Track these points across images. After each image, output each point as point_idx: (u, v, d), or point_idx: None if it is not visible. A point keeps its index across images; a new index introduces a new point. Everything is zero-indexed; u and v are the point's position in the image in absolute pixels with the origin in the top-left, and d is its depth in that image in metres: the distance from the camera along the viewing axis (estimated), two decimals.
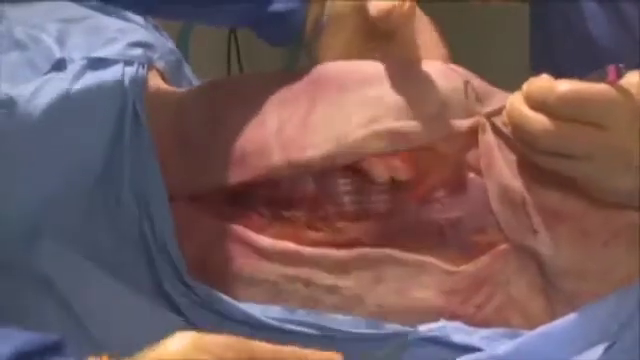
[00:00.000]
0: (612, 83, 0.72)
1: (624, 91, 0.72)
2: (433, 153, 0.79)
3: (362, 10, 0.80)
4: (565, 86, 0.72)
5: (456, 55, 0.85)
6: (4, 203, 0.78)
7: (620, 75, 0.72)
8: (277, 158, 0.79)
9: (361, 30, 0.83)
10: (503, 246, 0.78)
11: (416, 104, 0.78)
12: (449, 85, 0.80)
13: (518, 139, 0.76)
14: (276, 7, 0.84)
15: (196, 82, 0.99)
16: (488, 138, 0.79)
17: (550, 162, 0.75)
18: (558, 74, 0.74)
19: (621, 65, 0.72)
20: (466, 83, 0.80)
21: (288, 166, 0.79)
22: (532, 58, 1.23)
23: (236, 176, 0.81)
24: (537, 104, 0.73)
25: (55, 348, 0.65)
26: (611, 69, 0.72)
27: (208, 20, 0.92)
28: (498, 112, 0.79)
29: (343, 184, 0.79)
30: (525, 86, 0.75)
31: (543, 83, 0.73)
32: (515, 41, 1.40)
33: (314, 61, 0.85)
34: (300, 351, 0.66)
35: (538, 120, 0.72)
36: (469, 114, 0.79)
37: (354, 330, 0.76)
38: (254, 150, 0.80)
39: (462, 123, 0.79)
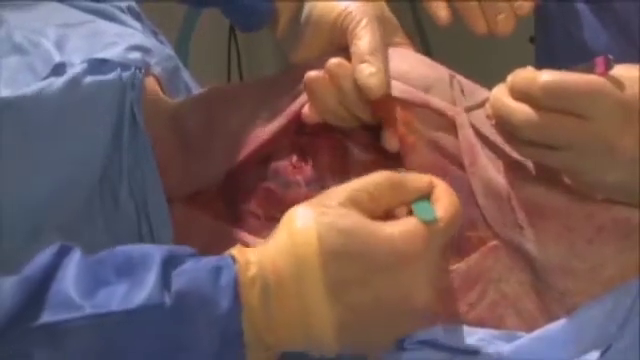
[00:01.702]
0: (600, 74, 0.71)
1: (613, 82, 0.71)
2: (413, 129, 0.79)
3: (337, 33, 0.81)
4: (548, 76, 0.71)
5: (459, 62, 0.85)
6: (4, 203, 0.78)
7: (609, 67, 0.71)
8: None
9: (336, 44, 0.83)
10: (493, 242, 0.78)
11: (402, 76, 0.80)
12: (434, 74, 0.81)
13: (501, 130, 0.76)
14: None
15: (194, 88, 0.99)
16: (468, 133, 0.79)
17: (532, 153, 0.74)
18: None
19: (610, 57, 0.71)
20: (452, 76, 0.81)
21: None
22: (536, 57, 1.24)
23: (231, 164, 0.82)
24: (520, 94, 0.72)
25: (194, 254, 0.67)
26: (600, 61, 0.71)
27: None
28: (480, 105, 0.79)
29: (332, 186, 0.79)
30: (509, 77, 0.74)
31: (527, 74, 0.72)
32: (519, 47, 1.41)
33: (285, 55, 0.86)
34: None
35: (521, 110, 0.72)
36: (452, 102, 0.80)
37: None
38: (250, 144, 0.82)
39: (440, 102, 0.79)
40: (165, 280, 0.64)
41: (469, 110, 0.79)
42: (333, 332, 0.66)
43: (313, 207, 0.68)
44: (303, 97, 0.82)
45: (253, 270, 0.66)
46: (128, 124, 0.83)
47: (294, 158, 0.83)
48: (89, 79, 0.84)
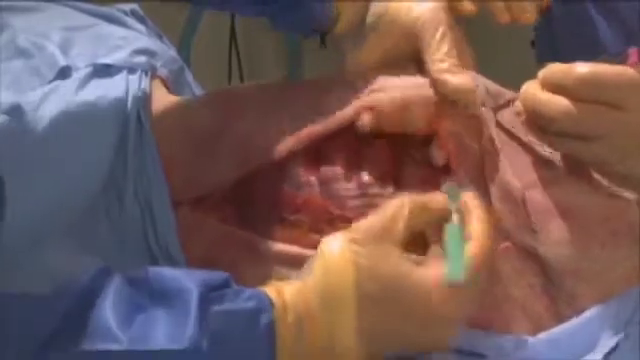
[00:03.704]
0: (633, 65, 0.72)
1: None
2: None
3: (410, 39, 0.81)
4: (584, 67, 0.72)
5: None
6: (10, 207, 0.78)
7: None
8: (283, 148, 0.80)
9: (402, 50, 0.82)
10: (505, 244, 0.78)
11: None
12: (458, 77, 0.80)
13: (532, 126, 0.76)
14: None
15: (198, 89, 0.99)
16: (493, 133, 0.79)
17: (566, 145, 0.75)
18: None
19: None
20: (475, 76, 0.81)
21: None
22: (538, 58, 1.24)
23: (240, 172, 0.82)
24: (555, 87, 0.73)
25: (228, 283, 0.68)
26: (633, 52, 0.72)
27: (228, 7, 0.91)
28: (504, 106, 0.79)
29: (346, 188, 0.80)
30: (541, 73, 0.75)
31: (561, 67, 0.73)
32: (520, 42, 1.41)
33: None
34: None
35: (556, 102, 0.73)
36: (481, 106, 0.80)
37: None
38: (259, 148, 0.81)
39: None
40: (203, 320, 0.64)
41: (497, 110, 0.79)
42: None
43: (349, 243, 0.68)
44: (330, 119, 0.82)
45: (291, 316, 0.67)
46: (134, 127, 0.83)
47: (306, 159, 0.83)
48: (94, 82, 0.84)
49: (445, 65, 0.78)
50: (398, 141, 0.82)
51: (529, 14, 0.87)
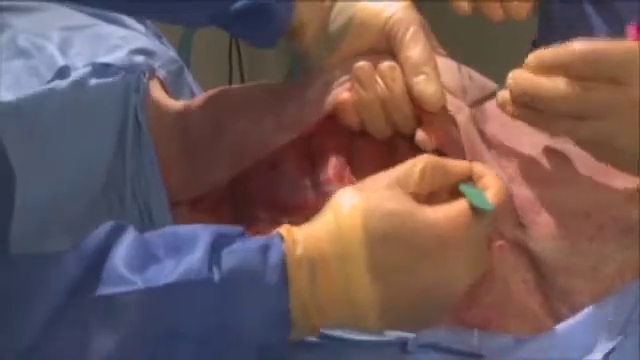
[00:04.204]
0: (633, 41, 0.71)
1: None
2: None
3: (382, 39, 0.81)
4: (583, 45, 0.71)
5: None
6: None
7: None
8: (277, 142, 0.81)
9: (377, 50, 0.82)
10: (499, 242, 0.78)
11: None
12: (441, 62, 0.81)
13: (523, 114, 0.75)
14: (245, 2, 0.81)
15: (197, 89, 0.99)
16: (471, 132, 0.79)
17: (564, 126, 0.74)
18: None
19: None
20: (459, 65, 0.82)
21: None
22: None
23: (236, 170, 0.82)
24: (552, 68, 0.72)
25: (243, 234, 0.69)
26: (632, 28, 0.71)
27: (176, 18, 0.88)
28: (488, 98, 0.79)
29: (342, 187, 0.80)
30: (532, 56, 0.74)
31: (556, 47, 0.73)
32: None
33: (314, 65, 0.85)
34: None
35: (554, 84, 0.72)
36: (462, 90, 0.80)
37: (354, 337, 0.76)
38: (254, 144, 0.82)
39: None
40: (215, 257, 0.65)
41: (475, 105, 0.79)
42: (377, 312, 0.68)
43: (359, 191, 0.70)
44: (315, 108, 0.82)
45: (300, 250, 0.67)
46: (132, 128, 0.83)
47: (302, 161, 0.83)
48: (93, 82, 0.84)
49: (420, 75, 0.79)
50: (390, 140, 0.82)
51: (521, 11, 0.87)
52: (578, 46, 0.71)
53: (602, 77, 0.71)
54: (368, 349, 0.75)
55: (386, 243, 0.68)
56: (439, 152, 0.79)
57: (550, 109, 0.73)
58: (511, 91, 0.75)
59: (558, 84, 0.72)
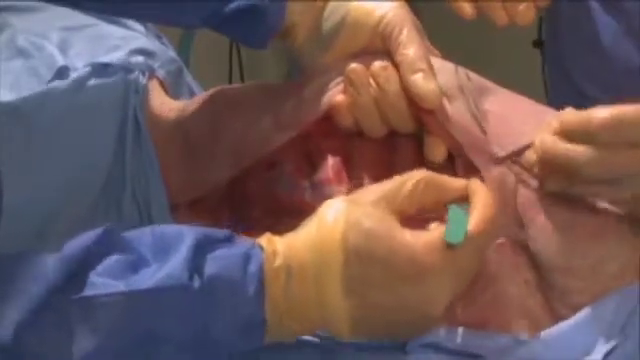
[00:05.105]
0: None
1: None
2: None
3: (376, 39, 0.81)
4: (603, 112, 0.72)
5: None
6: (8, 208, 0.78)
7: None
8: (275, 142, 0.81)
9: (370, 50, 0.82)
10: (499, 241, 0.78)
11: None
12: (437, 62, 0.81)
13: (549, 176, 0.76)
14: (238, 3, 0.81)
15: (197, 90, 0.99)
16: (475, 131, 0.79)
17: (591, 190, 0.75)
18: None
19: None
20: (456, 67, 0.81)
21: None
22: (544, 63, 1.24)
23: (235, 170, 0.82)
24: (575, 135, 0.73)
25: (227, 239, 0.69)
26: None
27: (169, 20, 0.88)
28: (516, 154, 0.79)
29: (338, 191, 0.80)
30: (555, 122, 0.75)
31: (579, 115, 0.73)
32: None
33: (308, 65, 0.85)
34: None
35: (580, 151, 0.72)
36: (460, 90, 0.80)
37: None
38: (252, 144, 0.82)
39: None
40: (197, 263, 0.66)
41: (501, 161, 0.79)
42: (347, 325, 0.69)
43: (347, 203, 0.70)
44: (312, 107, 0.82)
45: (279, 261, 0.68)
46: (131, 128, 0.83)
47: (300, 162, 0.83)
48: (92, 83, 0.84)
49: (418, 73, 0.79)
50: (390, 139, 0.82)
51: (527, 15, 0.87)
52: (600, 114, 0.71)
53: (626, 142, 0.71)
54: (367, 349, 0.75)
55: (361, 260, 0.68)
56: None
57: (578, 175, 0.74)
58: (539, 157, 0.76)
59: (585, 151, 0.72)
